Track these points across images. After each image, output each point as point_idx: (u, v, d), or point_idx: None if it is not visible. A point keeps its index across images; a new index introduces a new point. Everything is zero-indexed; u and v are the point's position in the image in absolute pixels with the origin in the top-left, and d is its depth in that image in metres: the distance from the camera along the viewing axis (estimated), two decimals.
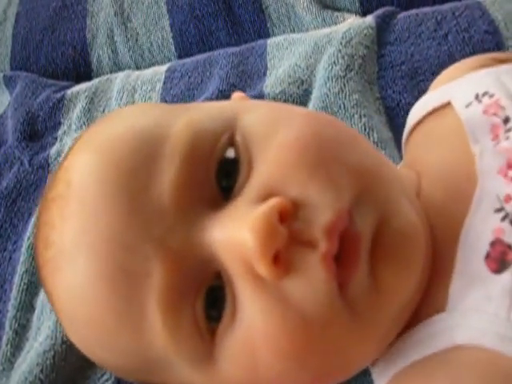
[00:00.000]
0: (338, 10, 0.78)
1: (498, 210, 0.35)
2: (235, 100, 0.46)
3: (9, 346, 0.59)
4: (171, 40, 0.83)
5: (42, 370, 0.54)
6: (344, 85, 0.61)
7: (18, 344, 0.59)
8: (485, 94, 0.42)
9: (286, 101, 0.63)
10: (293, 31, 0.79)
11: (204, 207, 0.34)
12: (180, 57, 0.83)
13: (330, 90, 0.61)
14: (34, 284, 0.62)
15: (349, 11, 0.78)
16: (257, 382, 0.35)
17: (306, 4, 0.78)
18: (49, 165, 0.70)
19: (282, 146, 0.34)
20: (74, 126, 0.72)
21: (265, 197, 0.33)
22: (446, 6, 0.70)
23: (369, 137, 0.58)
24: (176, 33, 0.83)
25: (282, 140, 0.35)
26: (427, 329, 0.35)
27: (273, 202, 0.32)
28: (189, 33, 0.82)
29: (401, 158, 0.55)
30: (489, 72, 0.44)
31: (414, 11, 0.71)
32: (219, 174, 0.35)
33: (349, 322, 0.33)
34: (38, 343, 0.57)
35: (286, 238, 0.32)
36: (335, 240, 0.32)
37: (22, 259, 0.63)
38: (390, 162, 0.44)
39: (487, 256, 0.34)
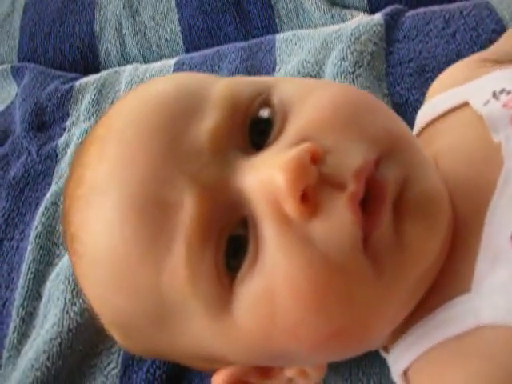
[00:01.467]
0: (347, 7, 0.79)
1: None
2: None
3: (16, 333, 0.59)
4: (179, 34, 0.84)
5: (48, 358, 0.54)
6: (353, 81, 0.62)
7: (24, 332, 0.59)
8: (502, 91, 0.42)
9: None
10: (301, 27, 0.79)
11: (238, 154, 0.36)
12: (188, 51, 0.83)
13: None
14: (41, 272, 0.62)
15: (357, 9, 0.78)
16: (272, 335, 0.35)
17: (314, 0, 0.79)
18: (57, 155, 0.71)
19: (317, 104, 0.37)
20: (82, 117, 0.73)
21: (298, 143, 0.35)
22: (454, 5, 0.70)
23: None
24: (184, 27, 0.83)
25: (318, 100, 0.37)
26: (453, 309, 0.36)
27: (305, 145, 0.34)
28: (197, 27, 0.83)
29: None
30: (501, 73, 0.45)
31: (422, 10, 0.71)
32: (252, 131, 0.37)
33: (371, 275, 0.34)
34: (44, 331, 0.57)
35: (316, 177, 0.33)
36: (362, 183, 0.33)
37: (29, 248, 0.64)
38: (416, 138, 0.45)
39: None
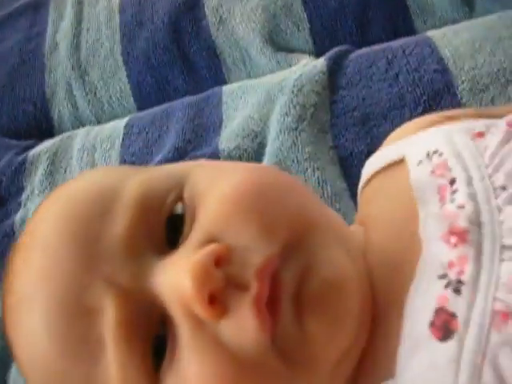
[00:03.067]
0: (292, 50, 0.78)
1: (442, 277, 0.35)
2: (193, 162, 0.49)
3: None
4: (129, 91, 0.83)
5: None
6: (296, 137, 0.62)
7: None
8: (435, 152, 0.42)
9: (240, 156, 0.64)
10: (248, 75, 0.79)
11: (152, 254, 0.37)
12: (139, 107, 0.83)
13: (282, 143, 0.62)
14: (5, 359, 0.62)
15: (303, 51, 0.78)
16: None
17: (259, 47, 0.78)
18: (14, 233, 0.70)
19: (220, 195, 0.37)
20: (36, 191, 0.73)
21: (204, 244, 0.35)
22: (397, 43, 0.70)
23: (323, 191, 0.58)
24: (133, 83, 0.83)
25: (220, 190, 0.37)
26: None
27: (208, 248, 0.34)
28: (146, 83, 0.83)
29: (356, 209, 0.56)
30: (441, 130, 0.45)
31: (365, 50, 0.71)
32: (168, 228, 0.38)
33: (282, 370, 0.34)
34: None
35: (222, 280, 0.34)
36: (265, 283, 0.34)
37: None
38: (334, 216, 0.45)
39: (432, 324, 0.34)
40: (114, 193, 0.39)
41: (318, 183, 0.58)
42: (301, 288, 0.35)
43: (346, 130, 0.63)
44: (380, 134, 0.61)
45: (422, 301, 0.36)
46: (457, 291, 0.34)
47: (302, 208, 0.39)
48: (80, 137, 0.77)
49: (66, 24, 0.91)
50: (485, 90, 0.61)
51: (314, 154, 0.61)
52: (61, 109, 0.86)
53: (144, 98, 0.83)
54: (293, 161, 0.61)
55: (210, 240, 0.35)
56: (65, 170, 0.74)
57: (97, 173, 0.46)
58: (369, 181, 0.49)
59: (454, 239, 0.36)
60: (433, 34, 0.70)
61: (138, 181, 0.40)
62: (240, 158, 0.64)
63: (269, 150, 0.63)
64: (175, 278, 0.34)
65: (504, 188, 0.37)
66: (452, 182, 0.39)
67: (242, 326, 0.33)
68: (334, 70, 0.69)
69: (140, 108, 0.83)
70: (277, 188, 0.39)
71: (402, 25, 0.77)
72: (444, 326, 0.34)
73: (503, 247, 0.35)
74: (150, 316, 0.36)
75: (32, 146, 0.81)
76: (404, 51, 0.68)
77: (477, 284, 0.34)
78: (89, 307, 0.36)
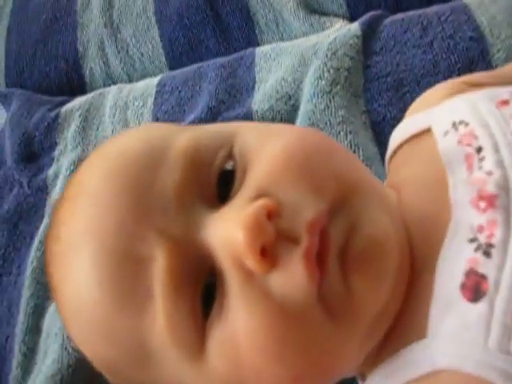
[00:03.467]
0: (326, 14, 0.79)
1: (472, 241, 0.37)
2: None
3: (19, 369, 0.63)
4: (161, 50, 0.85)
5: None
6: (330, 100, 0.63)
7: (27, 367, 0.63)
8: (461, 122, 0.44)
9: (273, 117, 0.66)
10: (281, 37, 0.80)
11: (203, 207, 0.38)
12: (171, 66, 0.85)
13: (316, 106, 0.63)
14: (39, 307, 0.66)
15: (336, 15, 0.79)
16: (241, 377, 0.38)
17: (293, 9, 0.79)
18: (47, 187, 0.73)
19: (271, 154, 0.39)
20: (69, 146, 0.75)
21: (255, 198, 0.37)
22: (433, 10, 0.71)
23: (355, 154, 0.60)
24: (166, 42, 0.85)
25: (271, 150, 0.39)
26: (410, 354, 0.38)
27: (260, 202, 0.36)
28: (178, 42, 0.84)
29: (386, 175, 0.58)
30: (466, 99, 0.46)
31: (400, 16, 0.72)
32: (219, 183, 0.39)
33: (325, 323, 0.36)
34: (45, 366, 0.61)
35: (273, 233, 0.35)
36: (315, 237, 0.35)
37: (26, 283, 0.67)
38: (374, 177, 0.46)
39: (462, 286, 0.36)
40: (164, 147, 0.40)
41: (351, 147, 0.60)
42: (346, 245, 0.36)
43: (379, 95, 0.64)
44: (413, 100, 0.62)
45: (452, 263, 0.38)
46: (487, 254, 0.36)
47: (348, 169, 0.41)
48: (112, 94, 0.79)
49: None
50: None
51: (346, 118, 0.62)
52: (93, 66, 0.88)
53: (176, 57, 0.85)
54: (326, 124, 0.62)
55: (262, 195, 0.37)
56: (97, 127, 0.76)
57: (142, 129, 0.47)
58: (397, 149, 0.51)
59: (483, 204, 0.38)
60: (470, 0, 0.70)
61: (187, 136, 0.41)
62: (273, 120, 0.66)
63: (302, 112, 0.65)
64: (227, 231, 0.36)
65: None
66: (479, 150, 0.41)
67: (292, 277, 0.35)
68: (369, 34, 0.70)
69: (171, 67, 0.85)
70: (324, 150, 0.41)
71: None
72: (475, 288, 0.36)
73: None
74: (199, 267, 0.37)
75: (64, 103, 0.83)
76: (439, 18, 0.69)
77: (506, 247, 0.36)
78: (139, 257, 0.37)
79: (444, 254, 0.38)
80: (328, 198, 0.37)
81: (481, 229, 0.37)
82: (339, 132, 0.61)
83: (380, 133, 0.62)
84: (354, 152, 0.60)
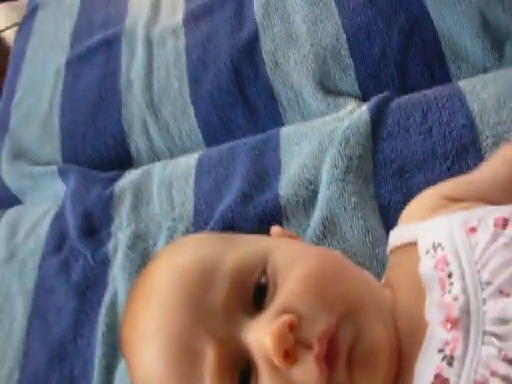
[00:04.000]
0: (340, 93, 0.93)
1: (440, 351, 0.51)
2: (272, 236, 0.68)
3: None
4: (197, 128, 1.00)
5: None
6: (344, 189, 0.77)
7: None
8: (439, 245, 0.57)
9: (297, 202, 0.80)
10: (302, 115, 0.94)
11: (242, 314, 0.54)
12: (207, 142, 1.00)
13: (332, 194, 0.77)
14: (110, 365, 0.81)
15: (349, 94, 0.92)
16: None
17: (311, 91, 0.93)
18: (108, 260, 0.89)
19: (296, 278, 0.55)
20: (124, 223, 0.90)
21: (281, 312, 0.53)
22: (432, 94, 0.83)
23: (365, 237, 0.74)
24: (201, 121, 1.00)
25: (296, 274, 0.55)
26: None
27: (285, 318, 0.51)
28: (212, 121, 0.99)
29: None
30: (445, 221, 0.59)
31: (404, 100, 0.85)
32: (255, 294, 0.55)
33: None
34: None
35: (292, 341, 0.50)
36: (324, 345, 0.51)
37: (98, 345, 0.82)
38: (373, 287, 0.61)
39: None
40: (214, 268, 0.56)
41: (362, 230, 0.74)
42: (352, 351, 0.52)
43: (385, 181, 0.78)
44: (413, 185, 0.76)
45: (426, 366, 0.52)
46: (450, 364, 0.50)
47: (353, 288, 0.56)
48: (157, 172, 0.94)
49: (138, 63, 1.07)
50: None
51: (358, 204, 0.76)
52: (137, 142, 1.03)
53: (210, 134, 1.00)
54: (341, 209, 0.76)
55: (286, 311, 0.52)
56: (147, 204, 0.91)
57: (196, 245, 0.63)
58: (394, 250, 0.65)
59: (449, 325, 0.51)
60: (464, 85, 0.83)
61: (231, 259, 0.57)
62: (297, 203, 0.80)
63: (321, 197, 0.79)
64: (261, 338, 0.52)
65: (488, 283, 0.51)
66: (450, 275, 0.54)
67: (308, 372, 0.51)
68: (377, 120, 0.83)
69: (207, 142, 1.00)
70: (336, 274, 0.57)
71: (438, 70, 0.91)
72: None
73: (484, 332, 0.50)
74: (238, 358, 0.53)
75: (116, 178, 0.98)
76: (438, 104, 0.81)
77: (464, 360, 0.50)
78: (195, 351, 0.53)
79: (421, 358, 0.52)
80: (336, 314, 0.52)
81: (447, 343, 0.51)
82: (352, 217, 0.75)
83: (386, 216, 0.75)
84: (365, 235, 0.74)
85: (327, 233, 0.76)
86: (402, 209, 0.71)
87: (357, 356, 0.52)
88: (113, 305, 0.84)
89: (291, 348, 0.50)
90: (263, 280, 0.55)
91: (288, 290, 0.54)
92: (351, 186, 0.78)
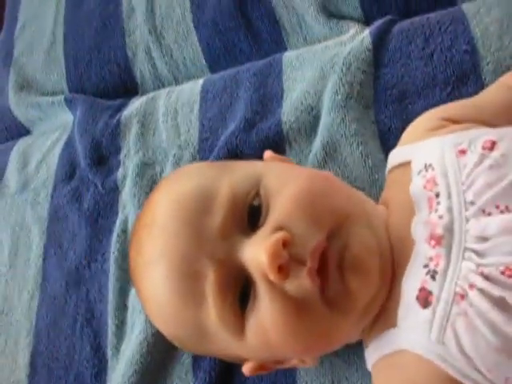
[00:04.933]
0: (343, 17, 0.95)
1: (425, 266, 0.58)
2: (265, 160, 0.73)
3: (114, 337, 0.87)
4: (201, 53, 1.04)
5: (140, 356, 0.82)
6: (345, 114, 0.81)
7: (120, 335, 0.87)
8: (430, 165, 0.63)
9: (299, 128, 0.84)
10: (305, 39, 0.97)
11: (239, 235, 0.60)
12: (211, 67, 1.04)
13: (333, 119, 0.82)
14: (123, 288, 0.88)
15: (353, 18, 0.94)
16: (270, 349, 0.62)
17: (314, 14, 0.95)
18: (118, 187, 0.95)
19: (287, 197, 0.61)
20: (132, 151, 0.96)
21: (275, 230, 0.59)
22: (435, 18, 0.85)
23: (365, 163, 0.79)
24: (204, 46, 1.03)
25: (287, 193, 0.61)
26: (386, 337, 0.61)
27: (278, 234, 0.57)
28: (215, 46, 1.03)
29: None
30: (438, 143, 0.64)
31: (406, 24, 0.87)
32: (250, 215, 0.62)
33: (326, 311, 0.58)
34: (134, 336, 0.84)
35: (286, 257, 0.57)
36: (316, 259, 0.57)
37: (111, 270, 0.90)
38: (364, 203, 0.67)
39: (417, 297, 0.58)
40: (210, 194, 0.62)
41: (362, 156, 0.79)
42: (342, 259, 0.58)
43: (385, 106, 0.82)
44: (414, 112, 0.80)
45: (412, 280, 0.59)
46: (433, 277, 0.57)
47: (343, 205, 0.62)
48: (162, 100, 0.99)
49: None
50: (506, 71, 0.77)
51: (358, 130, 0.80)
52: (142, 69, 1.08)
53: (214, 60, 1.04)
54: (341, 136, 0.81)
55: (279, 228, 0.58)
56: (153, 132, 0.97)
57: (193, 174, 0.69)
58: (391, 170, 0.71)
59: (433, 242, 0.58)
60: (468, 9, 0.84)
61: (226, 183, 0.62)
62: (299, 129, 0.84)
63: (322, 123, 0.83)
64: (256, 254, 0.58)
65: (472, 203, 0.57)
66: (437, 195, 0.60)
67: (301, 284, 0.57)
68: (379, 45, 0.86)
69: (211, 68, 1.04)
70: (326, 191, 0.63)
71: None
72: (424, 299, 0.57)
73: (465, 249, 0.56)
74: (238, 277, 0.60)
75: (121, 106, 1.03)
76: (440, 28, 0.84)
77: (446, 274, 0.56)
78: (196, 273, 0.60)
79: (408, 272, 0.59)
80: (326, 229, 0.58)
81: (431, 259, 0.58)
82: (352, 143, 0.80)
83: (386, 142, 0.80)
84: (364, 161, 0.79)
85: (328, 158, 0.81)
86: (401, 135, 0.75)
87: (347, 263, 0.58)
88: (124, 231, 0.91)
89: (285, 263, 0.56)
90: (256, 202, 0.61)
91: (280, 209, 0.60)
92: (352, 111, 0.82)
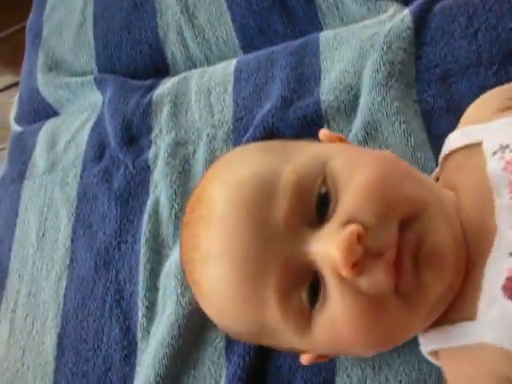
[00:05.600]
0: None
1: (511, 254, 0.54)
2: (324, 141, 0.69)
3: (144, 319, 0.85)
4: (234, 34, 1.02)
5: (172, 338, 0.80)
6: (386, 93, 0.80)
7: (150, 317, 0.85)
8: (507, 146, 0.59)
9: (339, 106, 0.83)
10: (341, 20, 0.96)
11: (306, 227, 0.56)
12: (244, 48, 1.02)
13: (374, 98, 0.80)
14: (154, 270, 0.87)
15: None
16: (338, 346, 0.59)
17: None
18: (149, 167, 0.94)
19: (358, 185, 0.56)
20: (164, 130, 0.95)
21: (346, 223, 0.55)
22: None
23: (407, 142, 0.77)
24: (238, 27, 1.02)
25: (357, 182, 0.56)
26: (462, 328, 0.57)
27: (351, 228, 0.53)
28: (249, 26, 1.01)
29: (435, 159, 0.74)
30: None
31: (449, 2, 0.85)
32: (317, 205, 0.57)
33: (400, 307, 0.55)
34: (165, 317, 0.83)
35: (360, 252, 0.53)
36: (393, 252, 0.54)
37: (142, 250, 0.88)
38: (434, 189, 0.63)
39: (504, 287, 0.54)
40: (272, 183, 0.57)
41: (404, 135, 0.77)
42: (417, 251, 0.54)
43: (428, 85, 0.80)
44: (458, 91, 0.79)
45: (496, 270, 0.55)
46: None
47: (416, 192, 0.57)
48: (195, 80, 0.98)
49: None
50: None
51: (401, 108, 0.79)
52: (173, 50, 1.06)
53: (248, 40, 1.02)
54: (383, 114, 0.79)
55: (351, 221, 0.54)
56: (186, 112, 0.95)
57: (250, 158, 0.64)
58: (452, 153, 0.67)
59: None
60: None
61: (289, 170, 0.57)
62: (338, 108, 0.83)
63: (362, 102, 0.82)
64: (328, 250, 0.54)
65: None
66: None
67: (376, 279, 0.53)
68: (420, 24, 0.84)
69: (244, 49, 1.03)
70: (397, 178, 0.58)
71: None
72: (511, 289, 0.53)
73: None
74: (305, 274, 0.56)
75: (153, 86, 1.02)
76: (484, 6, 0.82)
77: None
78: (261, 271, 0.56)
79: (491, 261, 0.56)
80: (401, 220, 0.55)
81: None
82: (394, 122, 0.78)
83: (428, 121, 0.78)
84: (407, 139, 0.77)
85: (369, 138, 0.79)
86: (445, 114, 0.74)
87: (423, 256, 0.54)
88: (155, 211, 0.90)
89: (359, 258, 0.53)
90: (324, 189, 0.57)
91: (351, 199, 0.55)
92: (393, 90, 0.80)
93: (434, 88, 0.80)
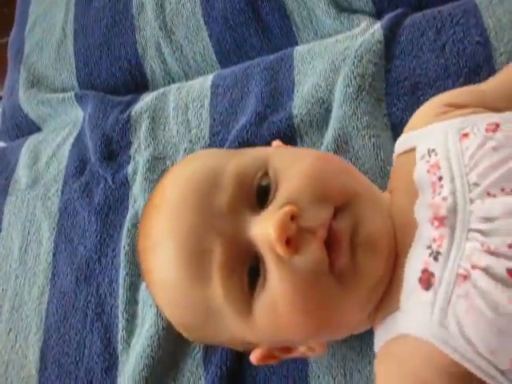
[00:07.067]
0: (354, 11, 0.96)
1: (428, 247, 0.59)
2: (272, 147, 0.74)
3: (124, 331, 0.88)
4: (211, 49, 1.05)
5: (151, 350, 0.82)
6: (356, 107, 0.82)
7: (130, 329, 0.87)
8: (433, 150, 0.64)
9: (311, 121, 0.86)
10: (316, 33, 0.99)
11: (248, 213, 0.61)
12: (221, 62, 1.05)
13: (345, 112, 0.83)
14: (134, 283, 0.89)
15: (364, 12, 0.96)
16: (279, 329, 0.62)
17: (325, 8, 0.97)
18: (128, 182, 0.96)
19: (296, 173, 0.61)
20: (142, 146, 0.97)
21: (284, 206, 0.59)
22: (447, 10, 0.87)
23: (377, 155, 0.80)
24: (214, 42, 1.05)
25: (296, 170, 0.62)
26: (390, 321, 0.61)
27: (285, 208, 0.58)
28: (226, 41, 1.04)
29: None
30: (443, 128, 0.65)
31: (418, 16, 0.88)
32: (259, 195, 0.62)
33: (336, 286, 0.58)
34: (145, 329, 0.85)
35: (294, 230, 0.57)
36: (325, 230, 0.58)
37: (122, 264, 0.91)
38: (372, 186, 0.69)
39: (420, 278, 0.58)
40: (219, 173, 0.62)
41: (374, 148, 0.80)
42: (354, 236, 0.58)
43: (397, 99, 0.83)
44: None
45: (415, 262, 0.59)
46: (436, 259, 0.57)
47: (350, 183, 0.63)
48: (173, 95, 1.00)
49: None
50: None
51: (370, 123, 0.82)
52: (152, 65, 1.09)
53: (224, 55, 1.05)
54: (353, 128, 0.82)
55: (288, 203, 0.59)
56: (164, 127, 0.98)
57: (202, 157, 0.71)
58: (396, 158, 0.72)
59: (436, 223, 0.58)
60: (480, 0, 0.86)
61: (234, 164, 0.63)
62: (311, 123, 0.86)
63: (334, 116, 0.84)
64: (264, 229, 0.58)
65: (476, 185, 0.58)
66: (440, 178, 0.61)
67: (310, 255, 0.57)
68: (390, 38, 0.87)
69: (222, 63, 1.06)
70: (334, 169, 0.64)
71: None
72: (426, 281, 0.57)
73: (469, 230, 0.57)
74: (246, 253, 0.60)
75: (132, 102, 1.04)
76: (452, 20, 0.85)
77: (448, 255, 0.57)
78: (204, 249, 0.60)
79: (410, 254, 0.60)
80: (334, 204, 0.59)
81: (434, 240, 0.58)
82: (364, 135, 0.81)
83: (398, 134, 0.79)
84: (376, 153, 0.80)
85: (339, 151, 0.82)
86: None
87: (359, 241, 0.59)
88: (134, 225, 0.92)
89: (293, 236, 0.57)
90: (265, 182, 0.62)
91: (289, 185, 0.60)
92: (363, 104, 0.83)
93: (402, 101, 0.83)
